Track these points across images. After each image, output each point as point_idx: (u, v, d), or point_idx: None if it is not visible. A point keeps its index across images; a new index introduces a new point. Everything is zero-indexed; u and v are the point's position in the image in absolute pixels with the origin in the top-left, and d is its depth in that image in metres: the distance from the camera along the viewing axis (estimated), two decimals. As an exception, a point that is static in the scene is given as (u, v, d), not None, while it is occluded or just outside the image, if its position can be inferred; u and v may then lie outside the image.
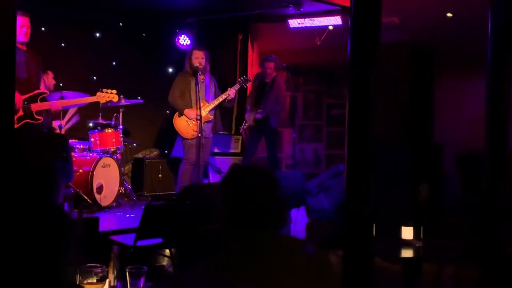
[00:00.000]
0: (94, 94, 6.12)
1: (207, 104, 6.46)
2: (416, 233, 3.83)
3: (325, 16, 7.41)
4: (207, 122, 6.45)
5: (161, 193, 7.25)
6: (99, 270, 2.01)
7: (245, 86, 6.90)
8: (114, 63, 7.78)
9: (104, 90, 5.70)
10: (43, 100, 5.13)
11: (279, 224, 1.96)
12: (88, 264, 1.94)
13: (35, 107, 5.00)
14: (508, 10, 3.08)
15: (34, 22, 6.87)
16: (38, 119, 5.05)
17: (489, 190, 2.94)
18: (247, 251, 1.85)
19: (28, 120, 4.96)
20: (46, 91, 5.17)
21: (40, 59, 5.19)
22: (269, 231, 1.92)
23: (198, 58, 6.43)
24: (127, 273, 2.10)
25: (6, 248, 1.42)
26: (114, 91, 5.76)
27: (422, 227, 3.83)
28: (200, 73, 6.35)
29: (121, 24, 7.85)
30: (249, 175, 1.99)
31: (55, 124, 6.13)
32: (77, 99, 5.87)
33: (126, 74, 7.68)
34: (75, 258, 1.44)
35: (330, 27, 7.51)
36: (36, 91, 5.04)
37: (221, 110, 6.85)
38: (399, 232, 3.85)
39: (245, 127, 7.47)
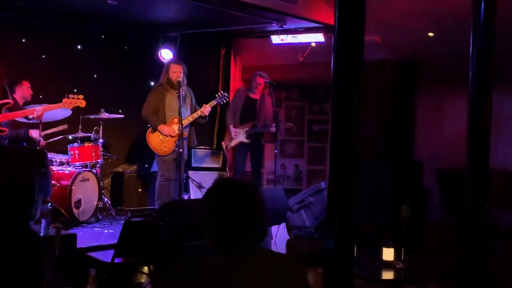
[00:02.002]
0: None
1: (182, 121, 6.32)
2: (397, 253, 3.82)
3: (308, 33, 7.44)
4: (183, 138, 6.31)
5: (140, 207, 7.17)
6: (76, 294, 1.95)
7: (222, 103, 6.83)
8: (95, 75, 7.71)
9: (71, 96, 5.63)
10: (9, 110, 5.02)
11: (261, 239, 1.96)
12: (64, 288, 1.89)
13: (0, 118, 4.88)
14: (488, 30, 3.11)
15: (14, 33, 6.82)
16: (3, 131, 4.94)
17: (469, 206, 2.95)
18: (229, 267, 1.85)
19: None
20: (10, 101, 5.06)
21: (4, 68, 5.08)
22: (252, 246, 1.92)
23: (176, 72, 6.35)
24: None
25: None
26: (81, 96, 5.68)
27: (403, 248, 3.83)
28: (183, 88, 6.29)
29: (103, 36, 7.80)
30: (236, 189, 1.98)
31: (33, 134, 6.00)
32: (44, 106, 5.71)
33: (107, 87, 7.62)
34: (51, 280, 1.38)
35: (313, 44, 7.54)
36: (0, 102, 4.91)
37: (198, 125, 6.78)
38: (380, 252, 3.83)
39: (232, 144, 7.36)
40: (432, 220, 7.65)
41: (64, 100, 5.58)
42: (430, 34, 6.92)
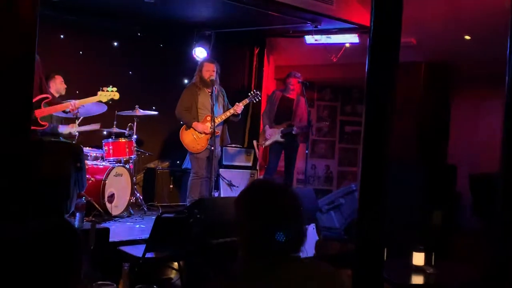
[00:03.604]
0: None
1: (215, 119, 6.35)
2: (427, 258, 3.78)
3: (342, 34, 7.41)
4: (215, 136, 6.37)
5: (171, 203, 7.25)
6: (110, 288, 1.98)
7: (254, 101, 6.85)
8: (131, 72, 7.82)
9: (105, 88, 5.69)
10: (47, 105, 5.11)
11: (297, 246, 1.91)
12: (99, 282, 1.93)
13: (39, 113, 4.96)
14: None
15: (53, 29, 6.96)
16: (43, 125, 5.03)
17: (502, 213, 2.91)
18: (266, 275, 1.80)
19: (32, 127, 4.93)
20: (49, 96, 5.14)
21: (41, 63, 5.15)
22: (289, 255, 1.87)
23: (209, 71, 6.40)
24: (137, 293, 2.07)
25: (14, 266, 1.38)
26: (115, 89, 5.73)
27: (433, 253, 3.78)
28: (215, 86, 6.33)
29: (139, 34, 7.90)
30: (273, 192, 1.90)
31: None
32: (81, 100, 5.76)
33: (142, 84, 7.72)
34: (87, 273, 1.42)
35: (347, 45, 7.50)
36: (39, 96, 4.99)
37: (230, 123, 6.82)
38: (410, 257, 3.80)
39: (267, 144, 7.37)
40: (464, 226, 7.54)
41: (99, 93, 5.65)
42: (467, 37, 6.82)
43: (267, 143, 7.35)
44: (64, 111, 5.54)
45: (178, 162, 7.95)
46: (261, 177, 7.69)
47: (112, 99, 5.76)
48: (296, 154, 7.53)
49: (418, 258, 3.79)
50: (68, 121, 6.08)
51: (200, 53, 7.85)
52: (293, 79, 7.36)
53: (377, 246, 2.41)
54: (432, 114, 7.72)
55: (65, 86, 6.51)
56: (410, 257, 3.81)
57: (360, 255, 2.46)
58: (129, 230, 5.56)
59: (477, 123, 8.84)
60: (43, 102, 5.02)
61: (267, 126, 7.39)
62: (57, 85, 6.34)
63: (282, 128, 7.31)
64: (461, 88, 8.41)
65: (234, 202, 1.93)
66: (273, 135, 7.31)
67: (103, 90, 5.65)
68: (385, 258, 2.27)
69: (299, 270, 1.85)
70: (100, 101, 5.68)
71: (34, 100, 4.93)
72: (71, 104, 5.43)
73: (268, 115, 7.46)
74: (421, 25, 6.57)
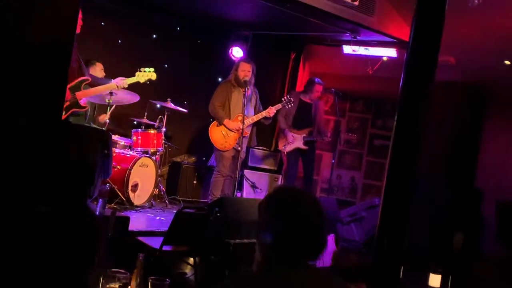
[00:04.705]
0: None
1: (246, 119, 6.37)
2: (444, 281, 3.73)
3: (381, 47, 7.35)
4: (244, 137, 6.36)
5: (193, 199, 7.29)
6: (122, 276, 2.00)
7: (287, 107, 6.82)
8: (166, 65, 7.88)
9: (142, 69, 5.71)
10: (88, 86, 5.16)
11: (316, 254, 1.91)
12: (112, 269, 1.95)
13: (80, 95, 5.03)
14: None
15: (95, 15, 7.05)
16: (84, 107, 5.10)
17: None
18: (281, 280, 1.81)
19: (74, 109, 5.01)
20: (88, 78, 5.18)
21: (76, 46, 5.19)
22: (305, 264, 1.87)
23: (245, 71, 6.42)
24: (150, 284, 2.08)
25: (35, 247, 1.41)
26: (152, 69, 5.74)
27: (451, 276, 3.73)
28: (249, 87, 6.35)
29: (178, 28, 7.97)
30: (299, 199, 1.91)
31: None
32: (128, 79, 5.76)
33: (176, 78, 7.77)
34: (102, 260, 1.43)
35: (384, 58, 7.44)
36: (79, 79, 5.05)
37: (259, 125, 6.82)
38: (426, 278, 3.75)
39: (288, 149, 7.33)
40: (486, 252, 7.41)
41: (137, 73, 5.68)
42: (507, 62, 6.70)
43: (289, 148, 7.28)
44: (110, 93, 5.54)
45: (204, 158, 7.99)
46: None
47: (150, 79, 5.77)
48: (314, 160, 7.47)
49: (435, 280, 3.74)
50: (100, 110, 6.16)
51: (236, 52, 7.88)
52: (318, 86, 7.31)
53: (395, 263, 2.38)
54: (464, 136, 7.61)
55: (104, 74, 6.58)
56: (426, 278, 3.76)
57: (376, 270, 2.43)
58: (149, 221, 5.61)
59: (509, 150, 8.67)
60: (83, 84, 5.08)
61: (287, 130, 7.32)
62: (97, 72, 6.41)
63: (304, 135, 7.25)
64: (495, 113, 8.26)
65: (259, 205, 1.95)
66: (295, 140, 7.26)
67: (140, 71, 5.68)
68: (400, 276, 2.24)
69: (314, 280, 1.85)
70: (139, 82, 5.69)
71: (75, 81, 5.00)
72: (117, 83, 5.43)
73: (285, 118, 7.36)
74: (461, 45, 6.48)
